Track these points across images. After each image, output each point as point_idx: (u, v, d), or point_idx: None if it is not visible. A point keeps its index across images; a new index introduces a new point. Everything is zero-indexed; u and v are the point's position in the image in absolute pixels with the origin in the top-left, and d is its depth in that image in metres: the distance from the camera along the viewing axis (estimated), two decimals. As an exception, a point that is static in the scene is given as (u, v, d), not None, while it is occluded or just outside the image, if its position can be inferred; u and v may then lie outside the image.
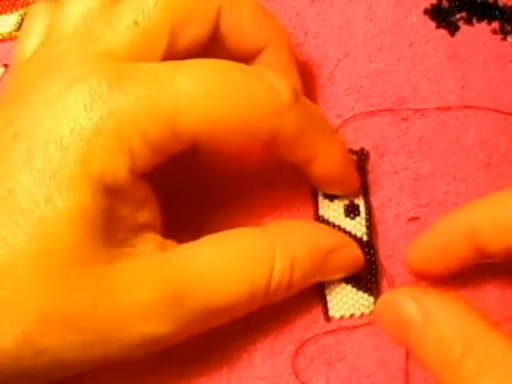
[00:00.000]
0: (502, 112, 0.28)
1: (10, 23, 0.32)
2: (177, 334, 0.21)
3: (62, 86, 0.21)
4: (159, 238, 0.22)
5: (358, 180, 0.26)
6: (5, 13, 0.33)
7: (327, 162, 0.24)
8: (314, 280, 0.24)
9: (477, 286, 0.26)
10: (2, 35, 0.32)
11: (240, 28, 0.24)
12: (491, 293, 0.25)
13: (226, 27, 0.24)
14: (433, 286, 0.25)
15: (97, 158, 0.20)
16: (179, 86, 0.21)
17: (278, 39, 0.25)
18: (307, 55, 0.29)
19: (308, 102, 0.24)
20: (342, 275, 0.25)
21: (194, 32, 0.23)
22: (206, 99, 0.21)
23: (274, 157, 0.24)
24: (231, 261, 0.22)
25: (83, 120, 0.20)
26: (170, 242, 0.23)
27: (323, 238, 0.24)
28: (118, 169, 0.20)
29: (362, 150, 0.28)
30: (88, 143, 0.20)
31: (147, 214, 0.22)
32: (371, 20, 0.30)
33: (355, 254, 0.25)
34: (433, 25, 0.30)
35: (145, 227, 0.22)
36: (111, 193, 0.20)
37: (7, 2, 0.33)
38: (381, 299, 0.22)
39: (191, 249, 0.22)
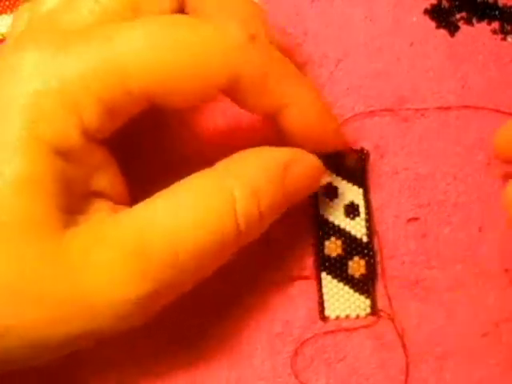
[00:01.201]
0: (502, 112, 0.28)
1: (10, 23, 0.32)
2: (153, 298, 0.20)
3: (9, 53, 0.21)
4: (116, 206, 0.22)
5: (341, 133, 0.25)
6: (5, 13, 0.33)
7: (298, 110, 0.23)
8: (285, 204, 0.23)
9: (476, 286, 0.26)
10: (2, 35, 0.32)
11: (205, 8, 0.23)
12: (491, 293, 0.25)
13: (191, 6, 0.23)
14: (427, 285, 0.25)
15: (44, 120, 0.19)
16: (125, 41, 0.20)
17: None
18: (307, 55, 0.29)
19: (270, 46, 0.23)
20: (308, 190, 0.24)
21: (157, 9, 0.22)
22: (153, 50, 0.20)
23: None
24: (189, 206, 0.21)
25: (29, 83, 0.20)
26: (123, 208, 0.22)
27: (275, 156, 0.23)
28: (68, 130, 0.20)
29: (362, 150, 0.27)
30: (34, 105, 0.19)
31: (104, 180, 0.22)
32: (371, 20, 0.30)
33: (313, 164, 0.24)
34: (433, 25, 0.30)
35: (101, 194, 0.21)
36: (63, 156, 0.20)
37: (7, 3, 0.33)
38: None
39: (145, 204, 0.21)
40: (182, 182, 0.21)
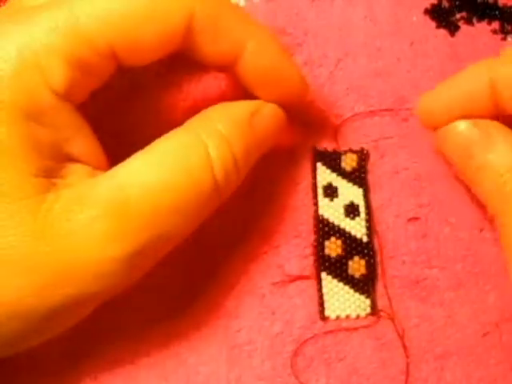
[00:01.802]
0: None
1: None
2: (137, 256, 0.20)
3: None
4: (95, 171, 0.22)
5: (303, 79, 0.25)
6: None
7: (255, 55, 0.23)
8: (256, 151, 0.24)
9: (476, 286, 0.26)
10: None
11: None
12: (491, 293, 0.25)
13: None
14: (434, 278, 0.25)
15: (8, 84, 0.20)
16: None
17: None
18: (307, 55, 0.29)
19: None
20: (274, 136, 0.24)
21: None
22: (109, 1, 0.21)
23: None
24: (165, 162, 0.21)
25: None
26: (101, 173, 0.22)
27: (240, 107, 0.23)
28: (35, 91, 0.20)
29: (362, 149, 0.27)
30: None
31: (80, 145, 0.22)
32: (371, 20, 0.30)
33: (275, 110, 0.24)
34: (433, 24, 0.30)
35: (79, 160, 0.22)
36: (35, 120, 0.20)
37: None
38: (443, 128, 0.23)
39: (123, 164, 0.21)
40: (156, 141, 0.22)
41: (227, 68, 0.24)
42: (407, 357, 0.25)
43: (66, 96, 0.21)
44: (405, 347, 0.25)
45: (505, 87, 0.22)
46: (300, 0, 0.30)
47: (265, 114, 0.24)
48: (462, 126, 0.23)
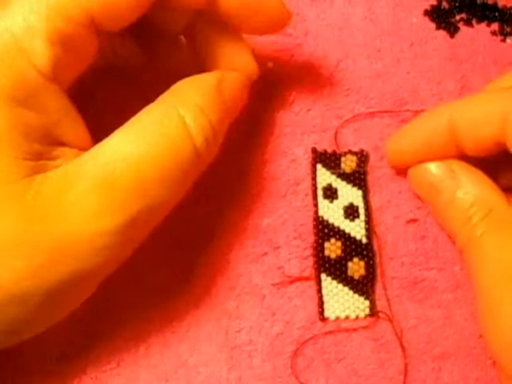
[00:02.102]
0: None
1: None
2: (129, 228, 0.20)
3: None
4: (78, 153, 0.22)
5: (283, 5, 0.25)
6: None
7: None
8: (229, 116, 0.24)
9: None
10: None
11: None
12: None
13: None
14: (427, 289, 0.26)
15: None
16: None
17: None
18: (307, 56, 0.29)
19: None
20: (242, 98, 0.25)
21: None
22: None
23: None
24: (146, 135, 0.21)
25: None
26: None
27: (206, 77, 0.24)
28: (20, 73, 0.20)
29: (362, 151, 0.28)
30: None
31: (66, 128, 0.22)
32: (371, 21, 0.30)
33: (238, 76, 0.25)
34: (433, 26, 0.30)
35: (64, 142, 0.22)
36: (22, 103, 0.20)
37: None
38: (414, 168, 0.26)
39: (107, 140, 0.22)
40: (135, 117, 0.22)
41: (208, 5, 0.24)
42: (405, 357, 0.25)
43: (52, 77, 0.21)
44: (403, 348, 0.25)
45: (461, 122, 0.24)
46: (300, 0, 0.30)
47: (230, 80, 0.25)
48: (430, 166, 0.25)
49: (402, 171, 0.27)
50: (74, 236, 0.20)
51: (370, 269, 0.26)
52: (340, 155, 0.28)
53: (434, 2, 0.30)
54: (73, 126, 0.22)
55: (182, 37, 0.26)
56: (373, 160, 0.28)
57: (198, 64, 0.26)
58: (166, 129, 0.22)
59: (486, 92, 0.26)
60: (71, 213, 0.20)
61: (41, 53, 0.20)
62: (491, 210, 0.23)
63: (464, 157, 0.25)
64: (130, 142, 0.21)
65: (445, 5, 0.30)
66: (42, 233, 0.19)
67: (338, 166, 0.27)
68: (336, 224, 0.26)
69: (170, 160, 0.21)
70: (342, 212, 0.27)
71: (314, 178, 0.27)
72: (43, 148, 0.21)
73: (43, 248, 0.19)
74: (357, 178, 0.27)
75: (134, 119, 0.22)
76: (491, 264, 0.23)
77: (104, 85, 0.27)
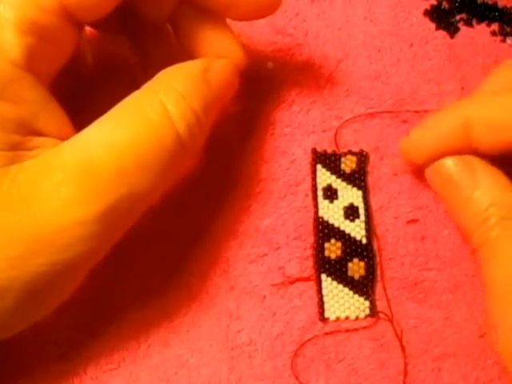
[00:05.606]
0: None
1: None
2: (109, 217, 0.20)
3: None
4: (59, 143, 0.22)
5: None
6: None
7: None
8: (215, 103, 0.24)
9: (473, 288, 0.26)
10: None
11: None
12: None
13: None
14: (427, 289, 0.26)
15: None
16: None
17: None
18: (307, 56, 0.29)
19: None
20: (230, 87, 0.25)
21: None
22: None
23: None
24: (126, 122, 0.21)
25: None
26: None
27: (193, 65, 0.24)
28: None
29: (362, 151, 0.28)
30: None
31: (44, 119, 0.21)
32: (371, 21, 0.30)
33: (226, 63, 0.25)
34: (433, 26, 0.30)
35: (43, 133, 0.21)
36: None
37: None
38: (432, 166, 0.25)
39: (86, 129, 0.21)
40: (116, 106, 0.22)
41: None
42: (405, 357, 0.25)
43: (27, 67, 0.21)
44: (403, 348, 0.25)
45: (476, 124, 0.24)
46: (300, 0, 0.30)
47: (216, 68, 0.24)
48: (449, 163, 0.24)
49: (402, 171, 0.27)
50: (52, 225, 0.19)
51: (370, 269, 0.26)
52: (340, 155, 0.28)
53: (434, 2, 0.30)
54: (52, 117, 0.22)
55: (169, 26, 0.26)
56: (373, 160, 0.28)
57: (186, 53, 0.25)
58: (147, 114, 0.21)
59: (500, 92, 0.25)
60: (48, 202, 0.19)
61: (12, 43, 0.20)
62: (509, 212, 0.23)
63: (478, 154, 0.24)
64: (108, 128, 0.21)
65: (445, 5, 0.30)
66: (18, 223, 0.19)
67: (338, 166, 0.27)
68: (336, 224, 0.26)
69: (150, 146, 0.21)
70: (342, 212, 0.27)
71: (314, 179, 0.27)
72: (20, 138, 0.21)
73: (20, 238, 0.19)
74: (357, 179, 0.27)
75: (115, 107, 0.22)
76: (506, 266, 0.22)
77: (102, 84, 0.27)
